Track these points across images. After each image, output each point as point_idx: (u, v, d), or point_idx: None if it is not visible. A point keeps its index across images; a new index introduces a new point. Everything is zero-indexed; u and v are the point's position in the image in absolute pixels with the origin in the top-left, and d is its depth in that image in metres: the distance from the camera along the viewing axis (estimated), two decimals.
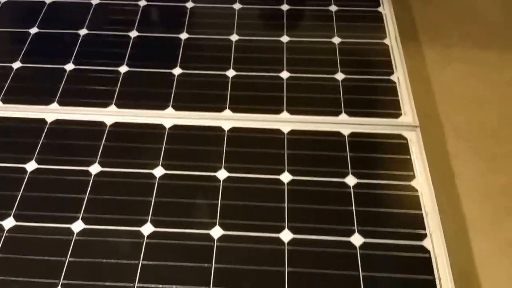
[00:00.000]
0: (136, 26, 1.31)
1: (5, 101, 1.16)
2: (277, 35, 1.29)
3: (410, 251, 0.92)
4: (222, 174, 1.03)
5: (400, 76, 1.19)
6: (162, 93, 1.17)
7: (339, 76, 1.20)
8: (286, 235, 0.94)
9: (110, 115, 1.13)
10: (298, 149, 1.07)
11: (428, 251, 0.92)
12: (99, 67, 1.22)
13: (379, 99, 1.15)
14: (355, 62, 1.23)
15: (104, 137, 1.09)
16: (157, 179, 1.02)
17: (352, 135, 1.09)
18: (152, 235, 0.95)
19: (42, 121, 1.12)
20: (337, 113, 1.12)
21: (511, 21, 1.46)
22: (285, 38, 1.28)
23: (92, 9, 1.36)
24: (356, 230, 0.95)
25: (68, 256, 0.92)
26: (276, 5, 1.37)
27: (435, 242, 0.93)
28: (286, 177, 1.02)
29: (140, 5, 1.37)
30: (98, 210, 0.98)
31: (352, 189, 1.00)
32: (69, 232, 0.95)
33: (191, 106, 1.14)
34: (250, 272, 0.90)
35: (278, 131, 1.10)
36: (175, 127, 1.11)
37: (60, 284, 0.89)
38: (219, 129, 1.10)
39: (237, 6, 1.36)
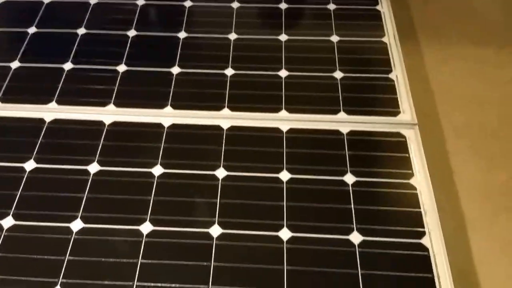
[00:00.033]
0: (134, 25, 1.31)
1: (4, 100, 1.16)
2: (276, 33, 1.29)
3: (408, 249, 0.92)
4: (221, 173, 1.03)
5: (398, 74, 1.19)
6: (160, 92, 1.17)
7: (338, 74, 1.20)
8: (285, 234, 0.94)
9: (108, 114, 1.13)
10: (297, 148, 1.07)
11: (427, 249, 0.92)
12: (98, 66, 1.22)
13: (377, 97, 1.15)
14: (353, 60, 1.23)
15: (103, 136, 1.09)
16: (156, 178, 1.02)
17: (351, 133, 1.09)
18: (151, 234, 0.95)
19: (41, 120, 1.12)
20: (335, 112, 1.13)
21: (511, 20, 1.46)
22: (283, 37, 1.28)
23: (90, 8, 1.36)
24: (355, 228, 0.95)
25: (67, 255, 0.92)
26: (274, 4, 1.37)
27: (433, 240, 0.93)
28: (285, 175, 1.02)
29: (138, 4, 1.36)
30: (97, 209, 0.98)
31: (350, 187, 1.00)
32: (68, 231, 0.95)
33: (190, 105, 1.14)
34: (249, 271, 0.90)
35: (277, 130, 1.10)
36: (173, 126, 1.11)
37: (59, 283, 0.89)
38: (217, 127, 1.10)
39: (235, 5, 1.36)
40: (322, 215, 0.97)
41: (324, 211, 0.97)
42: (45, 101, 1.15)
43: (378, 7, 1.36)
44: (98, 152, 1.06)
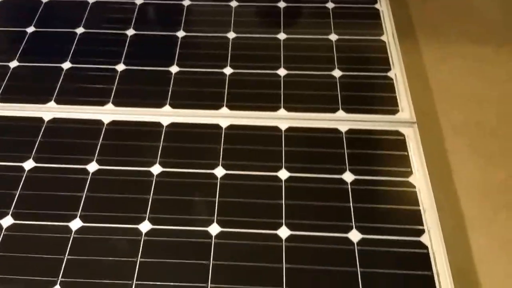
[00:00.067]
0: (133, 24, 1.31)
1: (2, 100, 1.16)
2: (274, 32, 1.29)
3: (408, 247, 0.92)
4: (219, 172, 1.03)
5: (397, 73, 1.19)
6: (159, 91, 1.17)
7: (336, 73, 1.20)
8: (283, 232, 0.94)
9: (107, 113, 1.13)
10: (296, 146, 1.07)
11: (426, 247, 0.92)
12: (96, 66, 1.22)
13: (376, 96, 1.15)
14: (352, 59, 1.23)
15: (102, 136, 1.09)
16: (154, 177, 1.02)
17: (350, 131, 1.09)
18: (150, 233, 0.95)
19: (40, 119, 1.12)
20: (334, 110, 1.13)
21: (510, 19, 1.46)
22: (282, 36, 1.28)
23: (88, 7, 1.35)
24: (354, 226, 0.95)
25: (67, 254, 0.92)
26: (273, 3, 1.37)
27: (433, 238, 0.93)
28: (283, 174, 1.02)
29: (136, 3, 1.36)
30: (96, 208, 0.98)
31: (349, 186, 1.00)
32: (67, 230, 0.95)
33: (189, 104, 1.14)
34: (248, 269, 0.90)
35: (276, 128, 1.10)
36: (172, 125, 1.11)
37: (58, 282, 0.89)
38: (216, 126, 1.10)
39: (234, 3, 1.36)
40: (321, 213, 0.97)
41: (323, 210, 0.97)
42: (44, 100, 1.15)
43: (377, 6, 1.36)
44: (97, 151, 1.06)
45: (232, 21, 1.32)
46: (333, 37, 1.28)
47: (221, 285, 0.88)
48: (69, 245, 0.93)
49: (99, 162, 1.05)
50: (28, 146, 1.07)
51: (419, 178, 1.01)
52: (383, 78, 1.18)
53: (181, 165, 1.04)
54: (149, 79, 1.19)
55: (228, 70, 1.20)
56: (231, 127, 1.10)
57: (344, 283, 0.88)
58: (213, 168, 1.03)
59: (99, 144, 1.07)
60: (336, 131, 1.09)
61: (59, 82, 1.19)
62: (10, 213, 0.98)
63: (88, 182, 1.01)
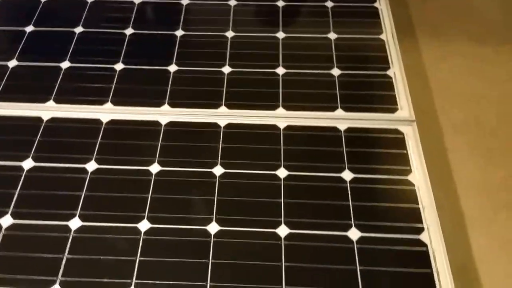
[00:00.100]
0: (131, 23, 1.31)
1: (1, 99, 1.16)
2: (273, 31, 1.29)
3: (407, 245, 0.92)
4: (218, 170, 1.03)
5: (396, 71, 1.19)
6: (158, 90, 1.16)
7: (335, 71, 1.20)
8: (282, 230, 0.94)
9: (106, 112, 1.13)
10: (294, 145, 1.07)
11: (425, 245, 0.92)
12: (95, 65, 1.21)
13: (375, 94, 1.15)
14: (351, 57, 1.23)
15: (100, 135, 1.09)
16: (153, 176, 1.02)
17: (349, 130, 1.09)
18: (149, 232, 0.95)
19: (39, 119, 1.12)
20: (333, 108, 1.12)
21: (509, 18, 1.46)
22: (280, 34, 1.28)
23: (87, 7, 1.35)
24: (353, 224, 0.95)
25: (66, 253, 0.92)
26: (271, 1, 1.37)
27: (432, 236, 0.93)
28: (282, 172, 1.02)
29: (135, 3, 1.36)
30: (95, 207, 0.98)
31: (348, 184, 1.00)
32: (67, 229, 0.95)
33: (187, 103, 1.14)
34: (247, 267, 0.90)
35: (274, 127, 1.09)
36: (171, 124, 1.10)
37: (58, 281, 0.89)
38: (215, 125, 1.10)
39: (232, 2, 1.36)
40: (320, 211, 0.97)
41: (322, 208, 0.97)
42: (43, 99, 1.15)
43: (376, 4, 1.35)
44: (96, 150, 1.06)
45: (231, 20, 1.31)
46: (332, 35, 1.27)
47: (220, 283, 0.88)
48: (69, 244, 0.93)
49: (98, 161, 1.05)
50: (27, 145, 1.07)
51: (418, 177, 1.01)
52: (382, 77, 1.18)
53: (179, 164, 1.04)
54: (148, 78, 1.19)
55: (226, 69, 1.20)
56: (229, 126, 1.10)
57: (343, 281, 0.88)
58: (212, 167, 1.03)
59: (98, 143, 1.07)
60: (335, 129, 1.09)
61: (58, 82, 1.18)
62: (10, 212, 0.98)
63: (87, 181, 1.01)
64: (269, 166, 1.03)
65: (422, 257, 0.91)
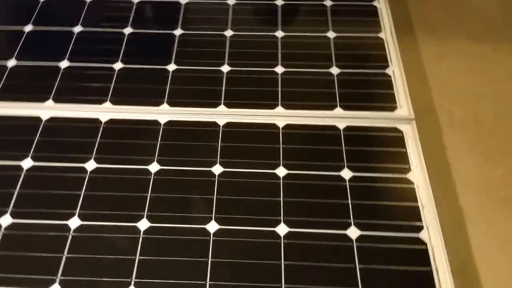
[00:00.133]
0: (130, 22, 1.31)
1: (0, 99, 1.16)
2: (272, 30, 1.29)
3: (406, 243, 0.93)
4: (217, 169, 1.03)
5: (395, 70, 1.19)
6: (157, 90, 1.16)
7: (334, 70, 1.20)
8: (282, 229, 0.94)
9: (105, 112, 1.13)
10: (293, 143, 1.07)
11: (425, 243, 0.92)
12: (94, 64, 1.21)
13: (374, 93, 1.15)
14: (350, 56, 1.23)
15: (100, 134, 1.09)
16: (152, 175, 1.02)
17: (348, 128, 1.09)
18: (148, 231, 0.95)
19: (38, 118, 1.12)
20: (332, 107, 1.12)
21: (508, 16, 1.46)
22: (279, 33, 1.28)
23: (86, 6, 1.35)
24: (352, 223, 0.95)
25: (65, 253, 0.92)
26: (270, 0, 1.37)
27: (431, 234, 0.93)
28: (281, 171, 1.02)
29: (134, 2, 1.36)
30: (94, 207, 0.98)
31: (347, 183, 1.00)
32: (66, 228, 0.95)
33: (186, 102, 1.14)
34: (246, 266, 0.90)
35: (273, 126, 1.10)
36: (170, 123, 1.11)
37: (57, 281, 0.89)
38: (214, 124, 1.10)
39: (231, 1, 1.36)
40: (319, 210, 0.97)
41: (321, 206, 0.97)
42: (42, 99, 1.15)
43: (375, 3, 1.35)
44: (95, 149, 1.06)
45: (230, 19, 1.31)
46: (331, 34, 1.27)
47: (220, 282, 0.88)
48: (68, 243, 0.93)
49: (97, 160, 1.05)
50: (26, 145, 1.07)
51: (417, 175, 1.01)
52: (381, 75, 1.18)
53: (179, 163, 1.04)
54: (147, 78, 1.19)
55: (225, 68, 1.20)
56: (228, 124, 1.10)
57: (343, 279, 0.88)
58: (211, 166, 1.03)
59: (97, 143, 1.07)
60: (334, 128, 1.09)
61: (57, 81, 1.18)
62: (9, 212, 0.98)
63: (86, 181, 1.02)
64: (268, 165, 1.03)
65: (422, 255, 0.91)
